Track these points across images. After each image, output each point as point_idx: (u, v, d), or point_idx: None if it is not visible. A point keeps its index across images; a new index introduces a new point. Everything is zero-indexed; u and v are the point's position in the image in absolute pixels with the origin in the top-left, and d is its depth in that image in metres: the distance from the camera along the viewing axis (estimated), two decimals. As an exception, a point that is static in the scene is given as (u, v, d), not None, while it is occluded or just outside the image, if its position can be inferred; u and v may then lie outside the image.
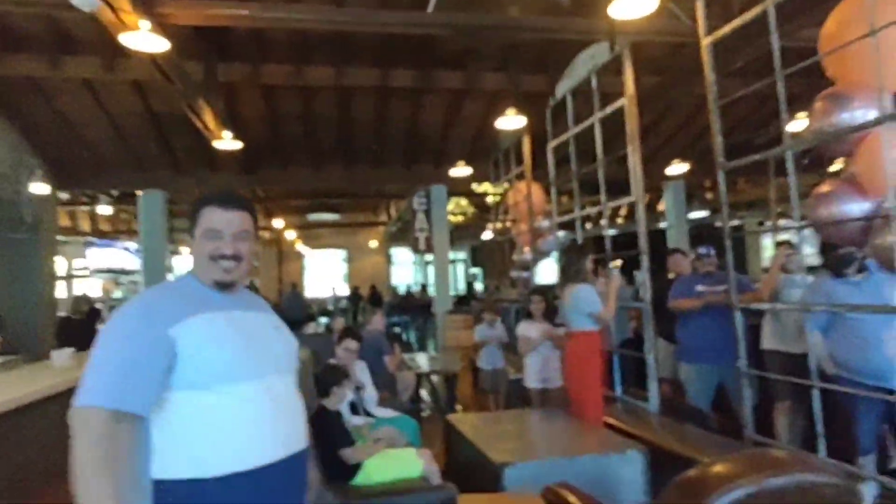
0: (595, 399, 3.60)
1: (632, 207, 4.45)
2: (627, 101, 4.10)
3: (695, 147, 9.41)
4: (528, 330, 4.30)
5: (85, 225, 14.73)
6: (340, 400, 2.87)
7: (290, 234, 17.17)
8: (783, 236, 5.61)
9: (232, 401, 1.36)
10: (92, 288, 13.63)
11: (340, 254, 19.35)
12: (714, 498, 1.61)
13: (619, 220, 13.90)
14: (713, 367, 4.02)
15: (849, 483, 1.71)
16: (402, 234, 13.59)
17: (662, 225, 11.67)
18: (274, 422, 1.40)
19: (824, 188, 2.83)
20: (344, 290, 17.58)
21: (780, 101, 2.87)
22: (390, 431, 3.10)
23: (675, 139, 9.95)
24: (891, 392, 2.93)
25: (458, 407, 5.91)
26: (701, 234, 11.19)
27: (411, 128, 8.74)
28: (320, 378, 2.90)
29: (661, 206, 12.09)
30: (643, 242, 3.98)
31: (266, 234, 16.65)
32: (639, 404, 4.06)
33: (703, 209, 12.94)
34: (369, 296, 15.18)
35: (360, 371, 3.78)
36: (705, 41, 3.29)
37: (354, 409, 3.58)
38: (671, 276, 5.01)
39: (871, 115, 2.50)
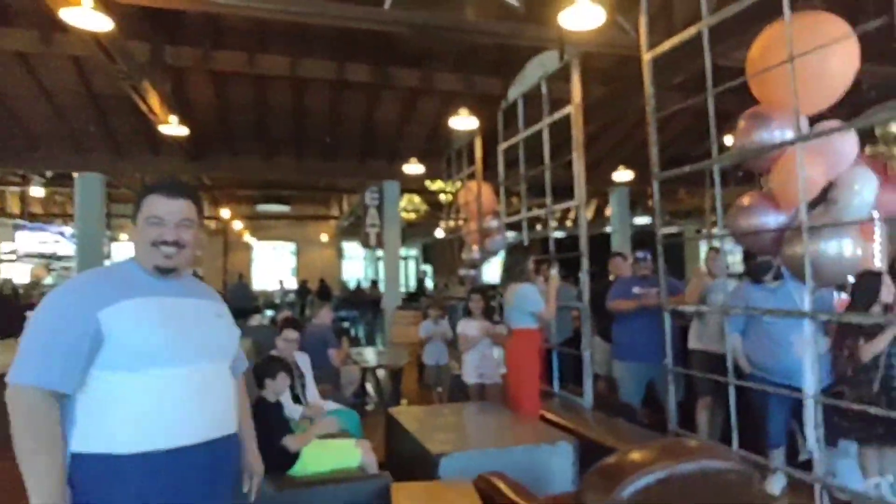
0: (532, 394, 3.75)
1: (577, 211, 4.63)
2: (574, 109, 4.27)
3: (638, 156, 9.80)
4: (468, 327, 4.42)
5: (14, 207, 13.94)
6: (277, 391, 2.88)
7: (238, 225, 16.78)
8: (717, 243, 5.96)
9: (155, 383, 1.40)
10: (20, 273, 12.91)
11: (290, 246, 19.05)
12: (628, 482, 1.75)
13: (569, 223, 14.30)
14: (645, 365, 4.25)
15: (748, 469, 1.89)
16: (354, 228, 13.52)
17: (608, 229, 12.09)
18: (199, 406, 1.45)
19: (744, 201, 3.05)
20: (292, 284, 17.32)
21: (710, 117, 3.07)
22: (328, 421, 3.13)
23: (620, 147, 10.32)
24: (798, 390, 3.21)
25: (404, 401, 5.97)
26: (643, 238, 11.65)
27: (366, 123, 8.73)
28: (256, 370, 2.91)
29: (608, 212, 12.52)
30: (583, 245, 4.16)
31: (212, 224, 16.20)
32: (575, 399, 4.24)
33: (646, 215, 13.47)
34: (318, 290, 15.02)
35: (302, 363, 3.79)
36: (646, 56, 3.47)
37: (298, 400, 3.59)
38: (612, 278, 5.24)
39: (788, 135, 2.72)
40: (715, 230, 3.32)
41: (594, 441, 3.27)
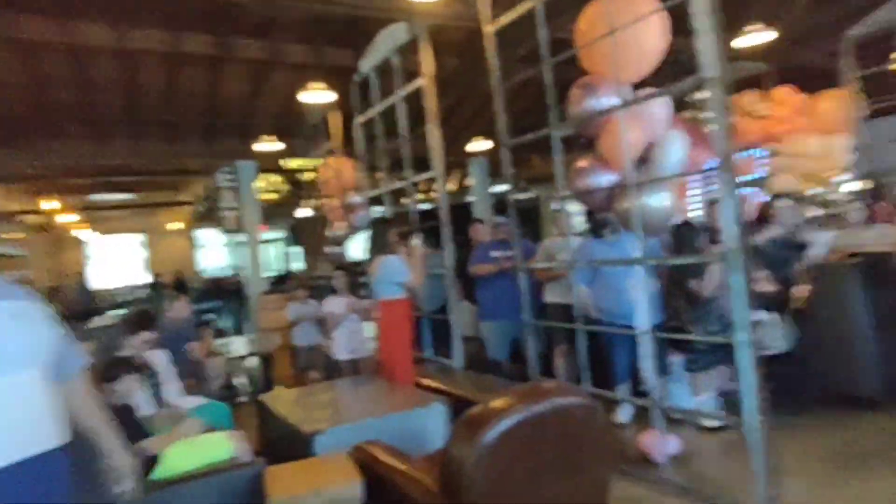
0: (405, 361, 3.84)
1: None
2: (426, 82, 4.33)
3: (494, 128, 10.24)
4: (333, 305, 4.41)
5: None
6: (123, 394, 2.66)
7: (71, 218, 14.84)
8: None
9: None
10: None
11: (138, 238, 17.31)
12: (490, 428, 1.89)
13: (434, 195, 14.59)
14: (508, 323, 4.54)
15: (593, 403, 2.12)
16: (211, 214, 12.62)
17: (470, 198, 12.54)
18: None
19: (581, 164, 3.35)
20: (145, 278, 15.83)
21: (548, 87, 3.29)
22: (192, 425, 2.93)
23: (478, 118, 10.69)
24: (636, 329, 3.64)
25: (278, 388, 5.80)
26: (503, 205, 12.26)
27: (210, 99, 8.12)
28: (100, 374, 2.65)
29: (469, 181, 12.96)
30: (444, 215, 4.29)
31: (36, 219, 14.17)
32: (446, 362, 4.42)
33: (504, 183, 14.17)
34: (173, 282, 13.86)
35: (159, 360, 3.52)
36: (488, 28, 3.61)
37: (154, 400, 3.34)
38: (474, 243, 5.48)
39: (613, 102, 3.01)
40: (559, 192, 3.60)
41: (466, 398, 3.43)
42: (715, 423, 3.68)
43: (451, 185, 14.51)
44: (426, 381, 3.87)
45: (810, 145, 5.86)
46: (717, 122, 2.43)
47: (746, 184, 6.67)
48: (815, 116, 5.90)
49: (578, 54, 3.25)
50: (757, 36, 5.59)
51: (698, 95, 6.51)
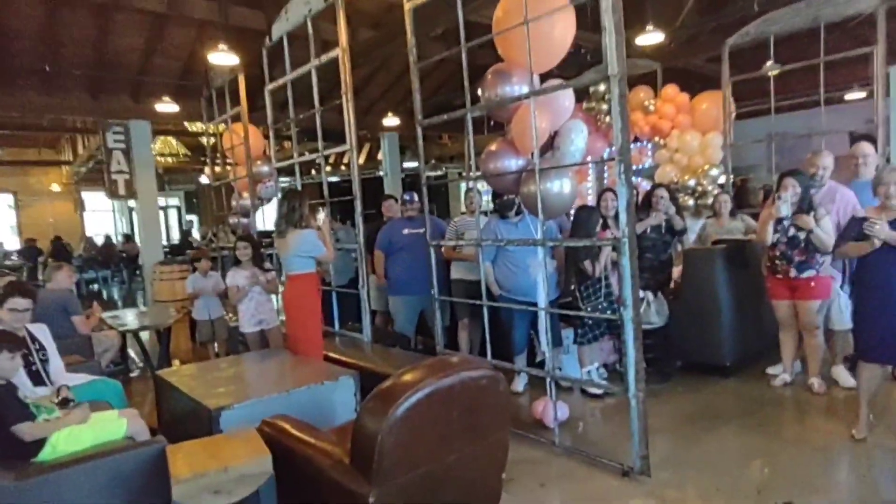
0: (314, 335, 3.84)
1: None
2: (341, 52, 4.25)
3: (408, 102, 10.21)
4: (236, 278, 4.30)
5: None
6: (2, 372, 2.46)
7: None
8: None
9: None
10: None
11: (6, 199, 15.51)
12: (401, 402, 1.98)
13: (344, 168, 14.32)
14: (416, 298, 4.66)
15: (496, 374, 2.28)
16: (97, 175, 11.53)
17: (380, 173, 12.46)
18: None
19: (492, 147, 3.48)
20: (13, 244, 14.28)
21: (463, 69, 3.37)
22: (79, 413, 2.72)
23: (391, 93, 10.60)
24: (535, 304, 3.89)
25: (175, 363, 5.56)
26: (413, 181, 12.34)
27: (99, 50, 7.40)
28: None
29: (380, 156, 12.86)
30: (356, 189, 4.28)
31: None
32: (355, 336, 4.46)
33: (415, 160, 14.20)
34: (52, 249, 12.63)
35: (41, 335, 3.25)
36: (407, 5, 3.61)
37: (40, 378, 3.10)
38: (385, 219, 5.51)
39: (524, 89, 3.15)
40: (471, 173, 3.72)
41: (374, 371, 3.52)
42: (599, 391, 4.05)
43: (363, 159, 14.32)
44: (334, 355, 3.90)
45: (690, 141, 6.43)
46: (616, 116, 2.62)
47: (637, 173, 7.23)
48: (695, 115, 6.47)
49: (494, 40, 3.34)
50: (650, 37, 6.01)
51: (599, 88, 6.91)
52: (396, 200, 5.59)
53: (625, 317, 2.72)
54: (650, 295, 4.24)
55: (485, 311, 3.60)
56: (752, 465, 2.96)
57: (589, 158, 7.00)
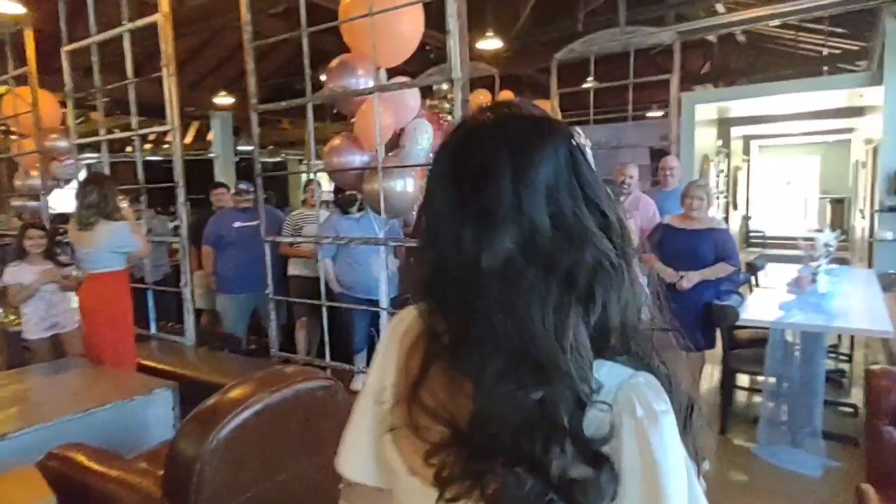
0: (124, 342, 3.36)
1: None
2: (162, 19, 3.75)
3: (242, 80, 9.45)
4: (21, 274, 3.56)
5: None
6: None
7: None
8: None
9: None
10: None
11: None
12: (226, 422, 1.78)
13: (166, 146, 12.85)
14: (248, 296, 4.32)
15: (334, 383, 2.17)
16: None
17: (210, 155, 11.43)
18: None
19: (336, 141, 3.33)
20: None
21: (304, 55, 3.16)
22: None
23: (225, 68, 9.71)
24: (376, 303, 3.84)
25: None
26: (248, 166, 11.51)
27: None
28: None
29: (210, 136, 11.77)
30: (178, 174, 3.82)
31: None
32: (176, 339, 4.01)
33: (251, 144, 13.27)
34: None
35: None
36: (242, -23, 3.28)
37: None
38: (215, 209, 5.02)
39: (370, 83, 3.05)
40: (312, 163, 3.52)
41: (197, 380, 3.19)
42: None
43: (189, 138, 13.00)
44: (150, 362, 3.46)
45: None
46: (458, 117, 2.64)
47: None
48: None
49: (339, 28, 3.19)
50: (489, 42, 6.30)
51: (443, 87, 7.05)
52: (228, 189, 5.13)
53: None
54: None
55: (324, 310, 3.45)
56: None
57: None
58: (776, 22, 6.47)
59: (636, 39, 6.16)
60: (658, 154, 6.11)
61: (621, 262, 0.58)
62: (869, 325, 2.80)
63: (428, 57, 7.19)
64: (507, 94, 7.05)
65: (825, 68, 9.33)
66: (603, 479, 0.53)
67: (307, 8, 3.12)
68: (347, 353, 3.92)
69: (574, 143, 0.60)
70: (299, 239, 4.12)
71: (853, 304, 3.43)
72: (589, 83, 7.21)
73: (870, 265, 6.55)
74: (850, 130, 11.72)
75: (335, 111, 6.62)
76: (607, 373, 0.57)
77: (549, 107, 6.59)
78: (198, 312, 4.52)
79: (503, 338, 0.55)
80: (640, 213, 4.29)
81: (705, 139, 9.21)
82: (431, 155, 7.46)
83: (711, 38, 9.22)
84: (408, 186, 3.08)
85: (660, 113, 10.39)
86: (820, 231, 4.21)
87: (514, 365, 0.55)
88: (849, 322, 2.88)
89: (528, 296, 0.55)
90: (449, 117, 7.29)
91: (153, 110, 4.51)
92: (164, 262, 5.48)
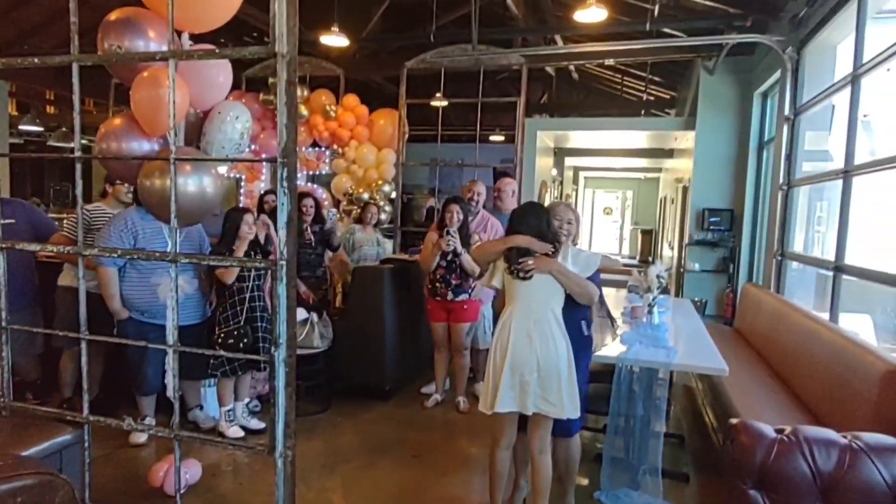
0: None
1: None
2: None
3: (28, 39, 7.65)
4: None
5: None
6: None
7: None
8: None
9: None
10: None
11: None
12: None
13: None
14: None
15: (49, 479, 1.43)
16: None
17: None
18: None
19: (115, 121, 2.52)
20: None
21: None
22: None
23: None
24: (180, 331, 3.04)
25: None
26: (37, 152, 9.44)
27: None
28: None
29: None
30: None
31: None
32: None
33: (36, 125, 10.95)
34: None
35: None
36: None
37: None
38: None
39: (160, 47, 2.32)
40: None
41: None
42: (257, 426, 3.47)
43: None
44: None
45: (367, 154, 6.41)
46: (282, 108, 2.06)
47: (313, 179, 6.87)
48: (373, 129, 6.49)
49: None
50: (334, 39, 5.75)
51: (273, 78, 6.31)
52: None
53: (276, 358, 2.16)
54: (314, 316, 3.83)
55: (83, 343, 2.56)
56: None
57: (263, 155, 6.33)
58: (611, 61, 6.84)
59: (486, 58, 6.07)
60: (502, 176, 6.05)
61: None
62: (705, 361, 2.77)
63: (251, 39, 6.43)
64: (351, 99, 6.52)
65: (642, 111, 10.32)
66: None
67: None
68: (134, 389, 3.08)
69: None
70: (79, 251, 3.14)
71: (683, 334, 3.48)
72: (438, 100, 7.01)
73: (677, 293, 7.19)
74: (659, 170, 13.20)
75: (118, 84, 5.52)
76: None
77: (396, 116, 6.22)
78: None
79: None
80: (488, 234, 4.04)
81: (544, 166, 9.59)
82: (251, 148, 6.65)
83: (551, 70, 9.69)
84: (206, 186, 2.36)
85: (501, 138, 10.69)
86: (648, 262, 4.31)
87: None
88: (688, 357, 2.83)
89: None
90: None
91: None
92: None
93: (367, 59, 8.12)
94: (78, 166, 2.19)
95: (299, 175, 6.76)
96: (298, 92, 6.33)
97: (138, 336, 2.98)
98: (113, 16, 2.37)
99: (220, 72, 2.42)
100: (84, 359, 2.44)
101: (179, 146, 2.33)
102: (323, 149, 6.71)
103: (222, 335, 3.24)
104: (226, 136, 2.37)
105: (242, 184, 6.74)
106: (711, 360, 2.79)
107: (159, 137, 2.34)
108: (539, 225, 2.40)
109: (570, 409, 2.34)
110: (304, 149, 6.74)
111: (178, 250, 2.48)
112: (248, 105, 6.43)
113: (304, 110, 6.45)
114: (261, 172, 6.84)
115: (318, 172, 6.81)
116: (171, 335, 2.38)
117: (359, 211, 5.26)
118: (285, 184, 2.11)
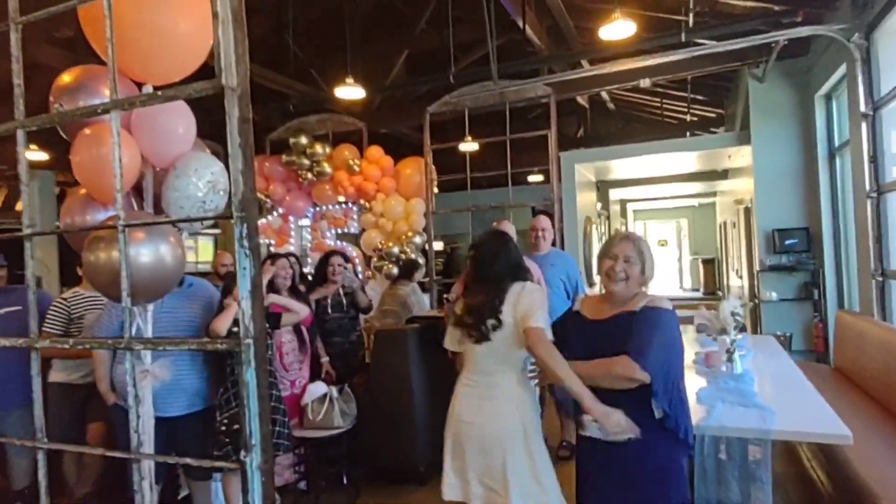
0: None
1: None
2: None
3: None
4: None
5: None
6: None
7: None
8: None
9: None
10: None
11: None
12: None
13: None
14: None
15: None
16: None
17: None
18: None
19: (78, 193, 2.21)
20: None
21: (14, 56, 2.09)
22: None
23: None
24: (171, 420, 2.68)
25: None
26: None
27: None
28: None
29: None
30: None
31: None
32: None
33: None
34: None
35: None
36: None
37: None
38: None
39: (102, 99, 2.02)
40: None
41: None
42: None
43: None
44: None
45: (395, 206, 6.10)
46: (235, 151, 1.67)
47: (343, 237, 6.58)
48: (399, 179, 6.20)
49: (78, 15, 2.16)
50: (350, 90, 5.53)
51: (300, 139, 6.16)
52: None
53: (248, 465, 1.69)
54: (334, 391, 3.37)
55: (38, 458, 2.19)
56: None
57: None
58: (646, 83, 6.35)
59: (510, 92, 5.72)
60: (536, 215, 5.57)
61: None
62: (818, 425, 2.10)
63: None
64: (375, 151, 6.27)
65: (687, 134, 9.69)
66: None
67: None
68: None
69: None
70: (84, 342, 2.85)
71: (775, 383, 2.80)
72: (465, 143, 6.69)
73: (756, 329, 6.33)
74: (713, 193, 12.35)
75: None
76: None
77: (422, 163, 5.92)
78: None
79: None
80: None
81: (586, 201, 9.03)
82: (279, 212, 6.39)
83: (584, 102, 9.27)
84: (165, 255, 1.97)
85: (540, 178, 10.24)
86: (716, 294, 3.65)
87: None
88: (792, 420, 2.16)
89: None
90: (309, 175, 6.33)
91: None
92: None
93: (390, 110, 7.96)
94: (27, 245, 1.87)
95: (327, 234, 6.49)
96: (320, 149, 6.23)
97: (125, 425, 2.62)
98: (66, 78, 2.10)
99: (180, 122, 2.09)
100: (41, 472, 2.06)
101: (134, 212, 1.98)
102: (350, 205, 6.45)
103: (225, 421, 2.83)
104: (182, 194, 2.01)
105: (271, 249, 6.50)
106: (826, 422, 2.12)
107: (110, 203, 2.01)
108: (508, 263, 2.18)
109: None
110: (330, 206, 6.50)
111: (150, 331, 2.11)
112: (272, 168, 6.37)
113: (327, 167, 6.24)
114: (289, 235, 6.62)
115: (346, 230, 6.53)
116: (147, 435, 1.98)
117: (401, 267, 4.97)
118: (245, 243, 1.69)
